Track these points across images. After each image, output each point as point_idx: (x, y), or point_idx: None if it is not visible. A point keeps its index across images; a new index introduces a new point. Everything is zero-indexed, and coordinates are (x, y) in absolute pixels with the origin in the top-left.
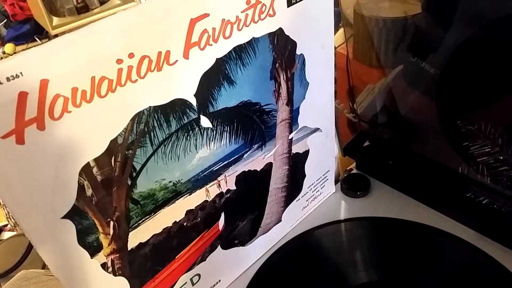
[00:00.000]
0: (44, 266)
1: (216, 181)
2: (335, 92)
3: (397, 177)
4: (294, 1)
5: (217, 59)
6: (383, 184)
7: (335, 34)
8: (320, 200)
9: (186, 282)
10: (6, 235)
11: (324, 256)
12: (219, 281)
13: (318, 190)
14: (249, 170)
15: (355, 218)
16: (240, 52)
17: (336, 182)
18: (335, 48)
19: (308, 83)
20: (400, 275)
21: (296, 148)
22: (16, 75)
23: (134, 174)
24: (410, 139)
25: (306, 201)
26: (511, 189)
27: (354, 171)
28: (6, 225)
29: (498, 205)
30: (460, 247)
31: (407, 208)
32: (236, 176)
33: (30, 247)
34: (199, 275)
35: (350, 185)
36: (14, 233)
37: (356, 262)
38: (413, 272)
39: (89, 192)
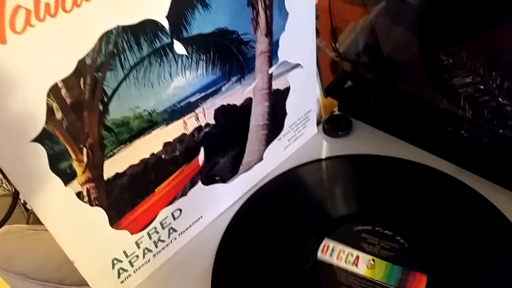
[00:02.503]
0: (28, 222)
1: (193, 113)
2: (318, 31)
3: (378, 116)
4: None
5: None
6: (365, 124)
7: None
8: (302, 140)
9: (167, 216)
10: None
11: (306, 193)
12: (201, 217)
13: (300, 130)
14: (228, 104)
15: (336, 156)
16: None
17: (318, 125)
18: None
19: (288, 13)
20: (380, 207)
21: (277, 84)
22: None
23: (106, 99)
24: (392, 78)
25: (288, 140)
26: (491, 121)
27: (336, 112)
28: None
29: (478, 138)
30: (440, 180)
31: (388, 145)
32: (215, 110)
33: (13, 205)
34: (180, 210)
35: (332, 125)
36: None
37: (337, 197)
38: (393, 204)
39: (58, 115)
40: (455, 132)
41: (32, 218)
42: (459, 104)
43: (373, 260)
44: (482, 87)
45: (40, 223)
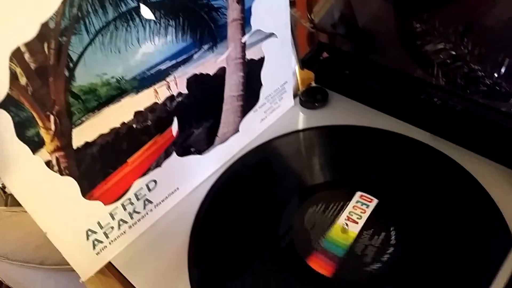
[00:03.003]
0: (6, 204)
1: (165, 81)
2: (293, 1)
3: (354, 87)
4: None
5: None
6: (341, 96)
7: None
8: (278, 112)
9: (141, 188)
10: None
11: (283, 164)
12: (177, 189)
13: (276, 102)
14: (201, 74)
15: (313, 127)
16: None
17: (295, 97)
18: None
19: None
20: (356, 174)
21: (251, 54)
22: None
23: (71, 64)
24: (368, 49)
25: (264, 112)
26: (463, 87)
27: (313, 85)
28: None
29: (451, 105)
30: (415, 147)
31: (364, 116)
32: (187, 79)
33: None
34: (155, 181)
35: (308, 97)
36: None
37: (314, 166)
38: (369, 172)
39: (23, 80)
40: (428, 100)
41: (10, 200)
42: (432, 72)
43: (347, 224)
44: (454, 53)
45: (19, 205)
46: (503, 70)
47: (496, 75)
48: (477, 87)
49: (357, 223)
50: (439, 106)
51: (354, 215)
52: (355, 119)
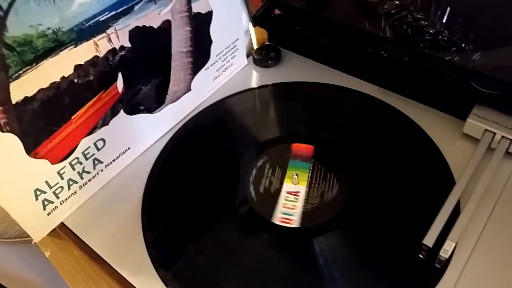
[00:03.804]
0: None
1: (105, 34)
2: None
3: (306, 44)
4: None
5: None
6: (294, 53)
7: None
8: (232, 71)
9: (89, 147)
10: None
11: (236, 121)
12: (129, 148)
13: (229, 61)
14: (144, 26)
15: (266, 85)
16: None
17: (249, 57)
18: None
19: None
20: (307, 128)
21: (197, 7)
22: None
23: (1, 13)
24: (318, 5)
25: (217, 71)
26: (408, 38)
27: (267, 43)
28: None
29: (397, 57)
30: (363, 100)
31: (316, 72)
32: (129, 31)
33: None
34: (103, 140)
35: (261, 55)
36: None
37: (266, 122)
38: (320, 125)
39: None
40: (376, 53)
41: None
42: (380, 25)
43: (297, 174)
44: (398, 2)
45: None
46: (445, 18)
47: (438, 24)
48: (421, 36)
49: (306, 173)
50: (386, 59)
51: (303, 166)
52: (307, 75)
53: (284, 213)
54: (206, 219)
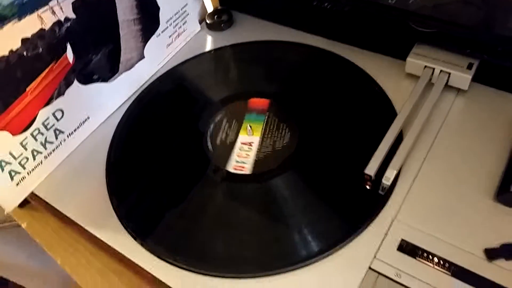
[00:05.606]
0: None
1: (47, 6)
2: None
3: (255, 4)
4: None
5: None
6: (245, 15)
7: None
8: (185, 37)
9: (48, 117)
10: None
11: (194, 84)
12: (88, 118)
13: (181, 26)
14: None
15: (220, 48)
16: None
17: (202, 22)
18: None
19: None
20: (261, 84)
21: None
22: None
23: None
24: None
25: (169, 37)
26: None
27: (219, 7)
28: None
29: (340, 7)
30: (311, 53)
31: (267, 31)
32: (72, 3)
33: None
34: (61, 110)
35: (213, 20)
36: None
37: (222, 82)
38: (274, 80)
39: None
40: (320, 5)
41: None
42: None
43: (251, 126)
44: None
45: None
46: None
47: None
48: None
49: (261, 125)
50: (330, 10)
51: (258, 119)
52: (259, 35)
53: (237, 161)
54: (167, 176)
